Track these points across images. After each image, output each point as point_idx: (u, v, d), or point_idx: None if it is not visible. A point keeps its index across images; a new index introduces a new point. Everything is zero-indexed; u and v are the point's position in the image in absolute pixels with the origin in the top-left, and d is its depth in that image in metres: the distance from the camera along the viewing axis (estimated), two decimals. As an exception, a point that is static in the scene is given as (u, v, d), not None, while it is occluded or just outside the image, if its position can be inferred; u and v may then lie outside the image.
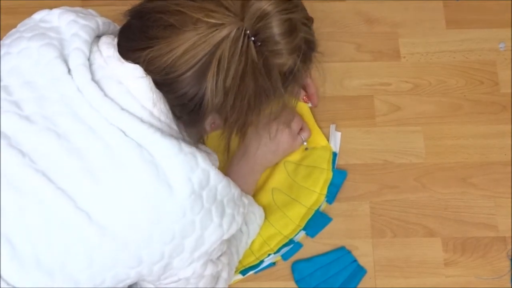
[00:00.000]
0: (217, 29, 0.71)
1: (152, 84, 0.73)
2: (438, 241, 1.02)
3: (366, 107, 1.11)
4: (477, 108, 1.11)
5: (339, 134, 1.08)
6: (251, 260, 1.00)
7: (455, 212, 1.04)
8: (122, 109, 0.71)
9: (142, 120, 0.72)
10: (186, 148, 0.73)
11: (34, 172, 0.70)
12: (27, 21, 0.81)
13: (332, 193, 1.04)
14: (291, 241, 1.01)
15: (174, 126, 0.76)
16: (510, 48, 1.15)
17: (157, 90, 0.73)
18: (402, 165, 1.07)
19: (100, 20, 0.81)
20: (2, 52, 0.77)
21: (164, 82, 0.73)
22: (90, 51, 0.75)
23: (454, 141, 1.09)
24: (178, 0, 0.73)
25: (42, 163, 0.71)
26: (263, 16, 0.72)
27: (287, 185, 1.04)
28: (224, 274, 0.88)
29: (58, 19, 0.79)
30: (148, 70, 0.73)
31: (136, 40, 0.74)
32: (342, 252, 1.01)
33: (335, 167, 1.06)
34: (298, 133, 1.04)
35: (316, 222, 1.02)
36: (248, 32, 0.72)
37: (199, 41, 0.71)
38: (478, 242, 1.02)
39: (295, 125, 1.02)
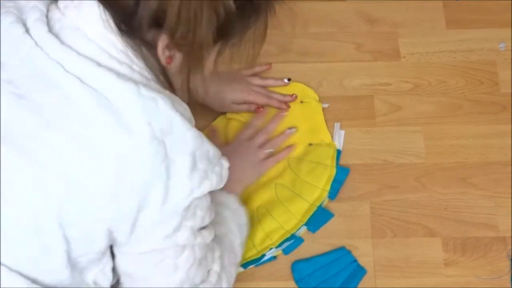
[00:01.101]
0: None
1: (108, 21, 0.69)
2: (438, 241, 1.02)
3: (366, 107, 1.11)
4: (477, 108, 1.11)
5: (343, 132, 1.08)
6: (252, 254, 1.00)
7: (455, 212, 1.04)
8: (79, 54, 0.69)
9: (99, 64, 0.68)
10: (146, 91, 0.69)
11: None
12: None
13: (334, 190, 1.04)
14: (292, 236, 1.01)
15: (138, 66, 0.72)
16: (510, 48, 1.15)
17: (116, 29, 0.70)
18: (402, 165, 1.07)
19: None
20: None
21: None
22: (48, 10, 0.73)
23: (454, 141, 1.09)
24: None
25: (4, 130, 0.68)
26: None
27: (290, 180, 1.04)
28: (216, 267, 0.84)
29: None
30: None
31: None
32: (342, 252, 1.01)
33: (338, 164, 1.06)
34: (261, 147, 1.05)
35: (318, 218, 1.02)
36: None
37: None
38: (478, 242, 1.02)
39: (258, 139, 1.05)
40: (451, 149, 1.08)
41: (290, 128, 1.08)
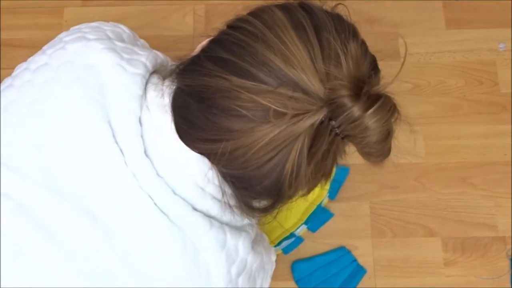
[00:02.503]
0: (299, 119, 0.58)
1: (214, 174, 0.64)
2: (438, 241, 1.02)
3: (366, 107, 1.11)
4: (477, 108, 1.11)
5: None
6: None
7: (455, 212, 1.04)
8: (175, 194, 0.62)
9: (194, 208, 0.63)
10: (231, 240, 0.66)
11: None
12: (60, 52, 0.66)
13: (334, 189, 1.04)
14: (292, 235, 1.01)
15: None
16: (510, 48, 1.15)
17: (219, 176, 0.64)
18: (402, 165, 1.07)
19: (145, 58, 0.67)
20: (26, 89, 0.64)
21: (238, 177, 0.63)
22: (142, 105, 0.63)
23: (454, 141, 1.09)
24: (245, 81, 0.59)
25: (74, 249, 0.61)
26: (357, 122, 0.62)
27: None
28: None
29: (97, 56, 0.65)
30: (216, 163, 0.62)
31: (201, 127, 0.61)
32: (342, 252, 1.01)
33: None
34: None
35: (318, 217, 1.03)
36: (335, 127, 0.61)
37: (280, 133, 0.59)
38: (477, 242, 1.02)
39: None
40: (451, 149, 1.08)
41: None
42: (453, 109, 1.11)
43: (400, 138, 1.09)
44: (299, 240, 1.02)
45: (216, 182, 0.64)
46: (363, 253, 1.01)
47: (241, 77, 0.59)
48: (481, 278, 1.00)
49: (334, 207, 1.04)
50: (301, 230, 1.02)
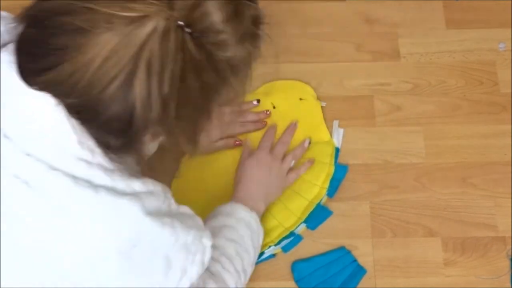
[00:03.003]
0: (139, 24, 0.56)
1: (69, 119, 0.58)
2: (438, 241, 1.02)
3: (366, 107, 1.11)
4: (477, 108, 1.11)
5: (342, 130, 1.08)
6: None
7: (455, 212, 1.04)
8: (28, 154, 0.58)
9: (52, 167, 0.58)
10: (106, 196, 0.59)
11: None
12: None
13: (333, 187, 1.04)
14: (291, 234, 1.01)
15: (106, 164, 0.61)
16: (510, 48, 1.15)
17: (78, 125, 0.59)
18: (402, 165, 1.07)
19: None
20: None
21: (84, 106, 0.58)
22: None
23: (454, 141, 1.09)
24: None
25: None
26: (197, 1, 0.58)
27: None
28: None
29: None
30: (60, 94, 0.58)
31: (38, 55, 0.58)
32: (342, 252, 1.01)
33: (337, 162, 1.06)
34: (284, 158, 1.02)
35: (317, 215, 1.03)
36: (181, 23, 0.57)
37: (119, 43, 0.56)
38: (477, 242, 1.02)
39: (278, 149, 1.02)
40: (451, 149, 1.08)
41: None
42: (453, 109, 1.11)
43: (400, 138, 1.10)
44: (298, 238, 1.02)
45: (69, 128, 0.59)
46: (363, 253, 1.01)
47: None
48: (481, 278, 1.00)
49: (334, 207, 1.04)
50: (301, 229, 1.02)
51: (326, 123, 1.09)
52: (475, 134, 1.09)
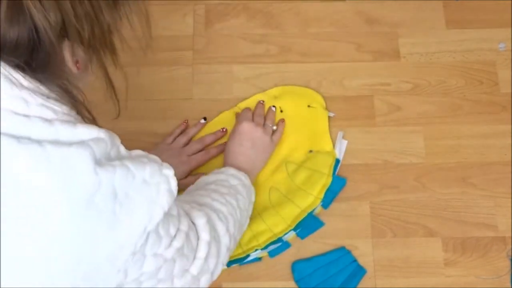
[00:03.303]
0: None
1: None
2: (438, 241, 1.02)
3: (366, 107, 1.11)
4: (477, 108, 1.11)
5: (345, 142, 1.08)
6: (238, 253, 1.00)
7: (455, 212, 1.04)
8: None
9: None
10: (52, 149, 0.56)
11: None
12: None
13: (328, 199, 1.03)
14: (279, 240, 1.01)
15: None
16: (510, 48, 1.15)
17: None
18: (402, 165, 1.07)
19: None
20: None
21: None
22: None
23: (454, 141, 1.09)
24: None
25: None
26: None
27: (285, 186, 1.04)
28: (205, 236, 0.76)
29: None
30: None
31: None
32: (342, 252, 1.01)
33: (336, 173, 1.06)
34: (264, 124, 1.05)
35: (308, 225, 1.02)
36: None
37: None
38: (478, 242, 1.02)
39: (256, 116, 1.05)
40: (451, 149, 1.08)
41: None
42: (453, 109, 1.11)
43: (400, 138, 1.10)
44: (286, 245, 1.01)
45: None
46: (363, 253, 1.01)
47: None
48: (481, 278, 1.00)
49: (334, 207, 1.04)
50: (289, 236, 1.02)
51: (330, 131, 1.09)
52: (475, 134, 1.09)
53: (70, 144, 0.57)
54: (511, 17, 1.17)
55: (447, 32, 1.17)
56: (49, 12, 0.56)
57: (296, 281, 0.99)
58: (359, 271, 1.00)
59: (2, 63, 0.57)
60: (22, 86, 0.58)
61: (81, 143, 0.58)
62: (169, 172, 0.66)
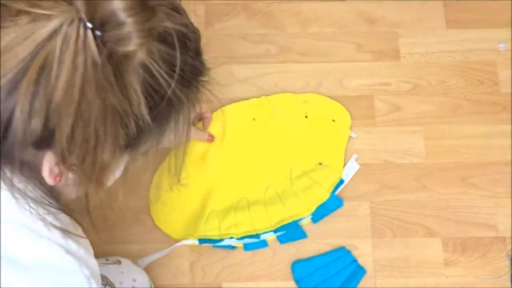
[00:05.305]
0: (42, 21, 0.50)
1: None
2: (438, 241, 1.02)
3: (366, 107, 1.11)
4: (477, 108, 1.11)
5: (357, 166, 1.06)
6: (214, 234, 1.00)
7: (455, 212, 1.04)
8: None
9: None
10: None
11: None
12: None
13: (319, 214, 1.03)
14: (257, 235, 1.01)
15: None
16: (510, 48, 1.15)
17: None
18: (402, 165, 1.07)
19: None
20: None
21: None
22: None
23: (454, 141, 1.09)
24: None
25: None
26: (112, 19, 0.51)
27: (283, 188, 1.04)
28: None
29: None
30: None
31: None
32: (342, 252, 1.01)
33: (336, 193, 1.05)
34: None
35: (290, 232, 1.02)
36: (83, 19, 0.50)
37: (18, 38, 0.50)
38: (478, 242, 1.02)
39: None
40: (451, 149, 1.08)
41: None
42: (454, 109, 1.11)
43: (400, 138, 1.10)
44: (263, 243, 1.01)
45: None
46: (363, 253, 1.01)
47: None
48: (482, 278, 1.00)
49: (334, 207, 1.04)
50: (269, 236, 1.02)
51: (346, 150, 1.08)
52: (475, 134, 1.09)
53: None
54: (511, 17, 1.17)
55: (447, 32, 1.17)
56: (32, 118, 0.50)
57: (296, 281, 0.99)
58: (359, 271, 1.00)
59: None
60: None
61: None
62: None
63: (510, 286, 0.99)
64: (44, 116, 0.50)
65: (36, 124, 0.50)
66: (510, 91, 1.12)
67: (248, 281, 1.00)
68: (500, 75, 1.13)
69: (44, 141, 0.52)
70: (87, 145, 0.53)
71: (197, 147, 1.06)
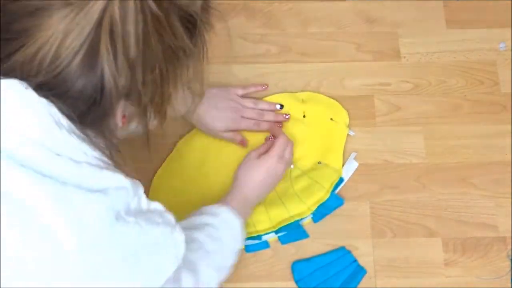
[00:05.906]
0: None
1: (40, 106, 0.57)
2: (438, 241, 1.02)
3: (366, 107, 1.11)
4: (477, 108, 1.11)
5: (356, 164, 1.06)
6: None
7: (455, 212, 1.04)
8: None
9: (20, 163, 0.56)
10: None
11: None
12: None
13: (320, 213, 1.03)
14: (258, 237, 1.01)
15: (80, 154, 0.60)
16: (510, 48, 1.15)
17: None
18: (402, 165, 1.07)
19: None
20: None
21: (52, 83, 0.58)
22: None
23: (454, 141, 1.09)
24: None
25: None
26: None
27: (283, 188, 1.04)
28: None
29: None
30: (29, 75, 0.57)
31: (3, 42, 0.58)
32: (342, 252, 1.01)
33: (336, 192, 1.05)
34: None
35: (292, 232, 1.02)
36: None
37: (78, 14, 0.56)
38: (478, 242, 1.02)
39: (287, 152, 0.99)
40: (451, 149, 1.08)
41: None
42: (454, 109, 1.11)
43: (400, 138, 1.10)
44: (265, 245, 1.01)
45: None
46: (363, 253, 1.01)
47: None
48: (482, 279, 1.00)
49: (334, 207, 1.04)
50: (270, 237, 1.02)
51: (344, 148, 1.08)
52: (476, 134, 1.09)
53: (92, 191, 0.58)
54: (511, 17, 1.17)
55: (447, 32, 1.17)
56: (120, 75, 0.58)
57: (296, 281, 0.99)
58: (359, 271, 1.00)
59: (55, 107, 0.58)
60: (62, 125, 0.59)
61: (104, 191, 0.59)
62: (180, 236, 0.67)
63: (510, 287, 0.99)
64: (127, 70, 0.58)
65: (124, 78, 0.58)
66: (510, 91, 1.12)
67: (248, 281, 1.00)
68: (500, 75, 1.13)
69: (130, 91, 0.60)
70: (155, 85, 0.61)
71: (195, 150, 1.06)
